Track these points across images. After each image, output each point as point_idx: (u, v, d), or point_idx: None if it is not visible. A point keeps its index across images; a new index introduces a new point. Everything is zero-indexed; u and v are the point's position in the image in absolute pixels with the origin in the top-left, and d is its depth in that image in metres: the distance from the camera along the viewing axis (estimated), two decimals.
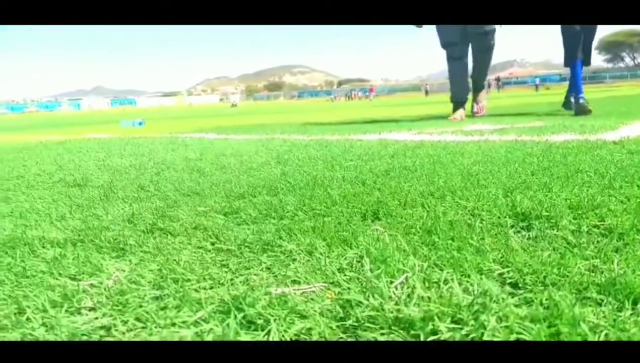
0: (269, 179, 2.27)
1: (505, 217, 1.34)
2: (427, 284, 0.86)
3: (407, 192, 1.75)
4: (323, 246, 1.21)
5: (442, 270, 0.95)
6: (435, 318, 0.71)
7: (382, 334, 0.71)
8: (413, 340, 0.54)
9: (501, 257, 1.00)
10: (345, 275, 1.01)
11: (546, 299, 0.78)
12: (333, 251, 1.17)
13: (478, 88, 7.14)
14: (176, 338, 0.76)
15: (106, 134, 7.31)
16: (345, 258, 1.11)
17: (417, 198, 1.63)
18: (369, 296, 0.84)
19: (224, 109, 24.78)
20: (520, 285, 0.86)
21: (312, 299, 0.90)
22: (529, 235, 1.19)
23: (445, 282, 0.87)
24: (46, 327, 0.86)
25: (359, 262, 1.08)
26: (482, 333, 0.66)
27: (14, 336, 0.82)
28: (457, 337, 0.67)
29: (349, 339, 0.71)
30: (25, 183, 2.57)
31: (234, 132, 6.10)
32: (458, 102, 6.91)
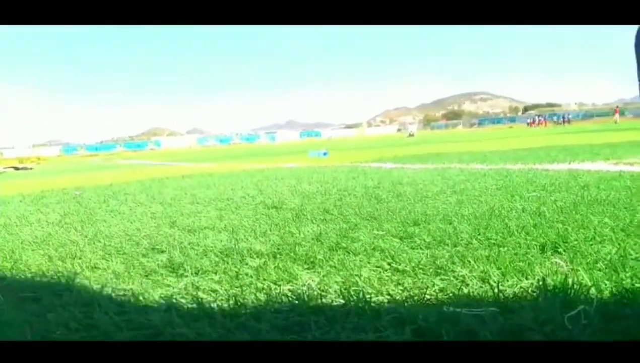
0: (443, 207, 2.32)
1: None
2: (603, 318, 0.84)
3: (595, 226, 1.63)
4: (497, 274, 1.23)
5: (625, 306, 0.90)
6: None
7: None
8: (414, 340, 0.54)
9: None
10: (518, 302, 1.02)
11: None
12: (507, 280, 1.18)
13: None
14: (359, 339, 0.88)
15: (297, 163, 8.10)
16: (520, 287, 1.12)
17: (606, 233, 1.52)
18: (542, 323, 0.86)
19: (401, 139, 25.24)
20: None
21: (483, 322, 0.94)
22: None
23: (627, 317, 0.83)
24: (255, 319, 1.07)
25: (534, 291, 1.08)
26: None
27: (233, 323, 1.04)
28: None
29: None
30: (234, 204, 3.06)
31: (410, 162, 6.22)
32: None
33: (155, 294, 1.34)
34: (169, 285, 1.41)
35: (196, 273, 1.50)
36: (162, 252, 1.85)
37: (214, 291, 1.30)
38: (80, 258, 1.85)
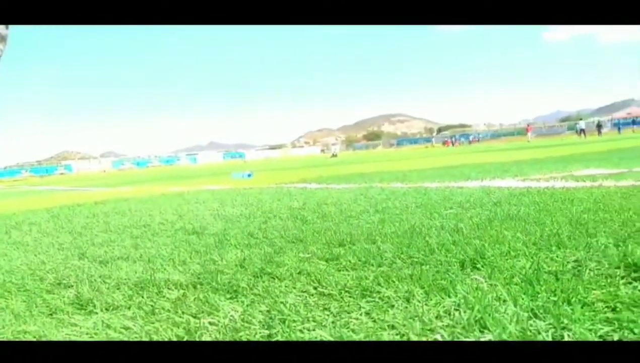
0: (367, 227, 2.34)
1: (615, 268, 1.27)
2: (524, 334, 0.86)
3: (509, 241, 1.71)
4: (421, 293, 1.24)
5: (543, 320, 0.93)
6: None
7: None
8: (413, 340, 0.54)
9: (607, 308, 0.96)
10: (442, 322, 1.03)
11: None
12: (431, 299, 1.20)
13: None
14: None
15: (219, 185, 7.91)
16: (443, 306, 1.13)
17: (519, 248, 1.60)
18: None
19: (325, 159, 25.67)
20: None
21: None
22: None
23: (546, 331, 0.86)
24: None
25: (456, 310, 1.09)
26: None
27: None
28: None
29: None
30: (151, 231, 2.89)
31: (334, 182, 6.29)
32: None
33: (59, 335, 1.21)
34: (75, 325, 1.28)
35: (107, 310, 1.38)
36: (69, 287, 1.69)
37: (127, 328, 1.19)
38: None
